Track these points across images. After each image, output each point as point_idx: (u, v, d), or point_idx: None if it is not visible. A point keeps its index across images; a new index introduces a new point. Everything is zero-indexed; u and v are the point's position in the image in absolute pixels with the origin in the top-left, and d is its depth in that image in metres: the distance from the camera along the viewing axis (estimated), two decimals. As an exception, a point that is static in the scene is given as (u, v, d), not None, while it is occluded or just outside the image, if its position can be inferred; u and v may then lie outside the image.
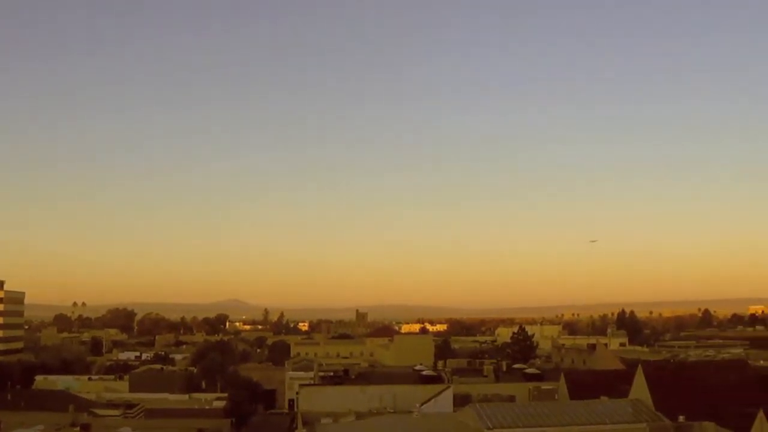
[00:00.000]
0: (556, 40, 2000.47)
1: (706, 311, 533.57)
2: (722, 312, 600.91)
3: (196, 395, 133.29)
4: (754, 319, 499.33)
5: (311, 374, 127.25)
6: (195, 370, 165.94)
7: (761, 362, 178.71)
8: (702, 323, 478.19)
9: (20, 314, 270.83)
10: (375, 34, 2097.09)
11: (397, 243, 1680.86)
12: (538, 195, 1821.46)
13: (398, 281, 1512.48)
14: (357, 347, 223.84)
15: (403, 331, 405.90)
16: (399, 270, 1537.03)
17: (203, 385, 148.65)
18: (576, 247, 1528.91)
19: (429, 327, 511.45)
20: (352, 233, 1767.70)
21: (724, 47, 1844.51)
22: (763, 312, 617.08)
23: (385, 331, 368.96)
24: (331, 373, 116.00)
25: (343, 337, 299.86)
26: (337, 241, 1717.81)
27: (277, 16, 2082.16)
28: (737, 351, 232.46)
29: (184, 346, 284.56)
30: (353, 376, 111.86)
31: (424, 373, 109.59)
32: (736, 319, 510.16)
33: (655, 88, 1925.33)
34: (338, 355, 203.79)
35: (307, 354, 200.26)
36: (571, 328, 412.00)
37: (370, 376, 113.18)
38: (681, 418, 63.50)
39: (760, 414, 61.61)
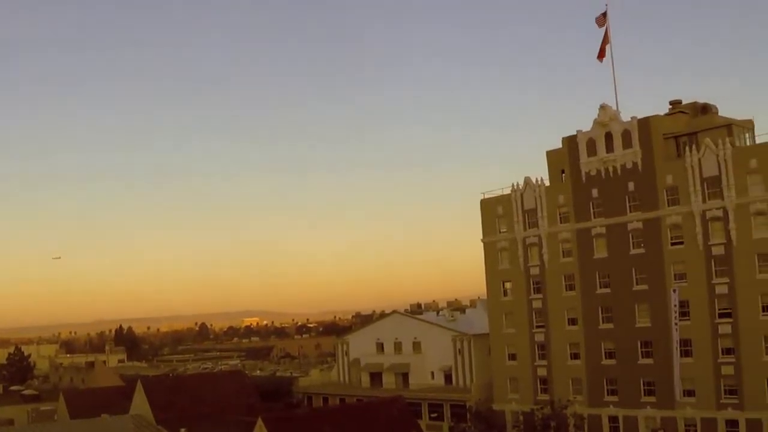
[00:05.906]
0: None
1: (203, 325, 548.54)
2: (219, 325, 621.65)
3: None
4: (249, 331, 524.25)
5: None
6: None
7: (258, 372, 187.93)
8: (199, 337, 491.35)
9: None
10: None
11: None
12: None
13: None
14: None
15: None
16: None
17: None
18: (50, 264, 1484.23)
19: None
20: None
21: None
22: (257, 324, 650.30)
23: None
24: None
25: None
26: None
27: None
28: (234, 362, 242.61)
29: None
30: None
31: None
32: (233, 332, 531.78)
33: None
34: None
35: None
36: (68, 346, 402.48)
37: None
38: (182, 430, 64.28)
39: (259, 421, 64.23)
